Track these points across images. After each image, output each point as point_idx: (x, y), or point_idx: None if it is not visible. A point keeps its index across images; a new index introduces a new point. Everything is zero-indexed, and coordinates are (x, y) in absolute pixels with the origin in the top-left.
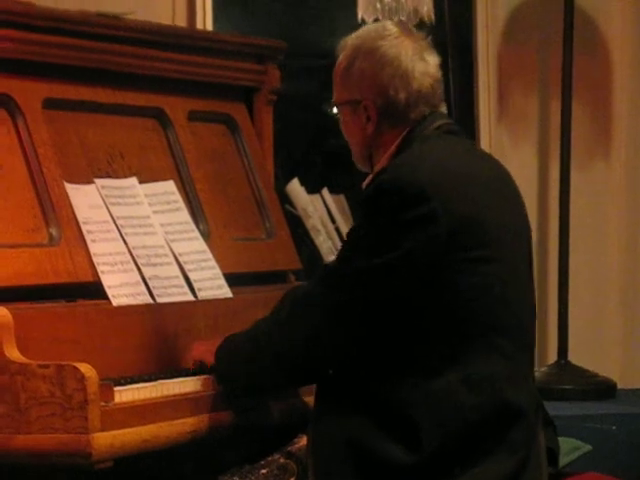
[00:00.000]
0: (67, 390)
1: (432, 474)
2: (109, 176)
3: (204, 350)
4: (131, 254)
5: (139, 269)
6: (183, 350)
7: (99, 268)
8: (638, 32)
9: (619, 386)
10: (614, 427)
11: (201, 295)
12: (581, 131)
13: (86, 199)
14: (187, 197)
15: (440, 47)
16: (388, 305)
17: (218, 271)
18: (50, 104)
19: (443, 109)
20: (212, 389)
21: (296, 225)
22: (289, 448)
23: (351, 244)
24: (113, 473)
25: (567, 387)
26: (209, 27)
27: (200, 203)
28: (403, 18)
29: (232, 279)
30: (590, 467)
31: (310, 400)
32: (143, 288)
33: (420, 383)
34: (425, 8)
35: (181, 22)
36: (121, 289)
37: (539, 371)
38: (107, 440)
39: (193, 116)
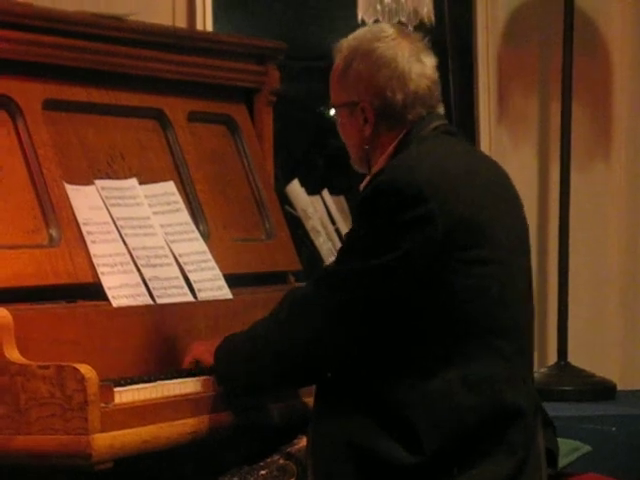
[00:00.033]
0: (67, 391)
1: (431, 475)
2: (109, 177)
3: (203, 350)
4: (131, 255)
5: (139, 270)
6: (183, 351)
7: (99, 269)
8: (638, 33)
9: (619, 387)
10: (614, 428)
11: (201, 296)
12: (581, 132)
13: (86, 200)
14: (187, 198)
15: (440, 48)
16: (387, 305)
17: (218, 272)
18: (50, 105)
19: (440, 110)
20: (212, 390)
21: (296, 226)
22: (289, 449)
23: (350, 245)
24: (113, 474)
25: (567, 388)
26: (209, 28)
27: (200, 204)
28: (403, 19)
29: (232, 280)
30: (590, 468)
31: (310, 401)
32: (143, 289)
33: (417, 384)
34: (425, 9)
35: (181, 23)
36: (121, 290)
37: (539, 372)
38: (107, 441)
39: (193, 117)
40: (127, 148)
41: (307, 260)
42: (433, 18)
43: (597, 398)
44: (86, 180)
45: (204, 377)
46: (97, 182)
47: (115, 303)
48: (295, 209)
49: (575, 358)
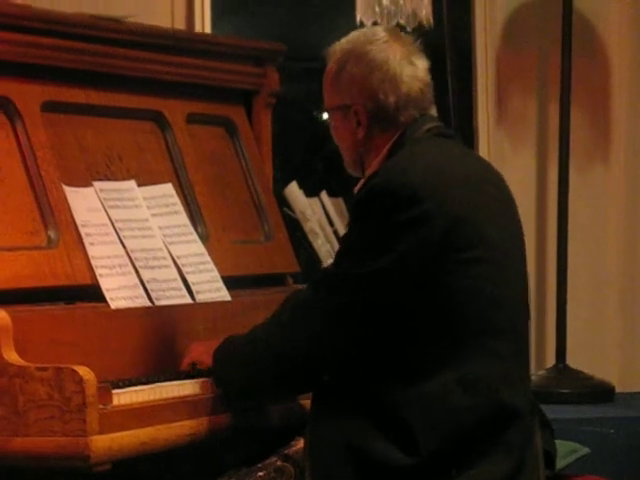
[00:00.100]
0: (65, 393)
1: (428, 476)
2: (107, 179)
3: (202, 351)
4: (129, 257)
5: (137, 272)
6: (181, 353)
7: (97, 271)
8: (636, 35)
9: (617, 390)
10: (612, 430)
11: (199, 298)
12: (580, 134)
13: (85, 202)
14: (185, 200)
15: (439, 50)
16: (385, 308)
17: (216, 274)
18: (49, 107)
19: (433, 112)
20: (210, 392)
21: (294, 228)
22: (286, 451)
23: (346, 248)
24: (111, 476)
25: (565, 390)
26: (208, 30)
27: (198, 206)
28: (402, 21)
29: (230, 282)
30: (588, 470)
31: (307, 403)
32: (141, 291)
33: (414, 385)
34: (424, 11)
35: (180, 25)
36: (119, 292)
37: (537, 374)
38: (105, 443)
39: (192, 119)
40: (125, 150)
41: (305, 262)
42: (432, 20)
43: (596, 400)
44: (84, 182)
45: (202, 379)
46: (95, 184)
47: (113, 305)
48: (293, 211)
49: (574, 360)
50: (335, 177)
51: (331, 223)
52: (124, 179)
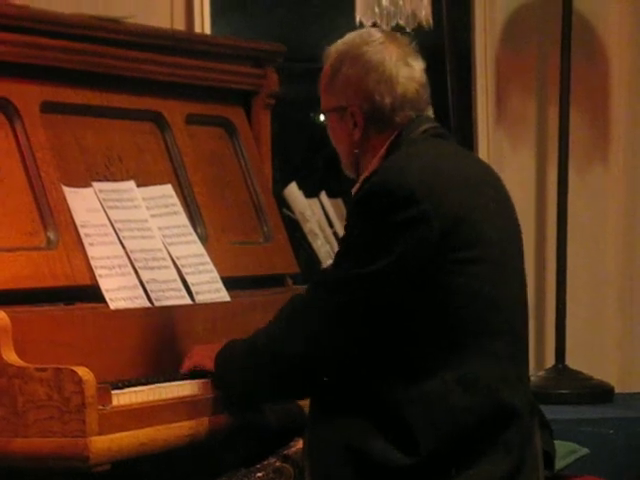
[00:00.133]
0: (65, 393)
1: (428, 476)
2: (107, 179)
3: (204, 355)
4: (129, 257)
5: (137, 272)
6: (181, 354)
7: (97, 271)
8: (636, 36)
9: (616, 390)
10: (611, 431)
11: (199, 299)
12: (579, 135)
13: (84, 202)
14: (185, 200)
15: (438, 51)
16: (385, 308)
17: (216, 275)
18: (48, 108)
19: (430, 113)
20: (210, 392)
21: (294, 229)
22: (285, 451)
23: (345, 249)
24: (111, 476)
25: (564, 391)
26: (207, 31)
27: (198, 207)
28: (401, 22)
29: (230, 283)
30: (587, 471)
31: (306, 403)
32: (141, 292)
33: (413, 385)
34: (423, 12)
35: (179, 25)
36: (119, 292)
37: (536, 375)
38: (105, 443)
39: (191, 119)
40: (125, 151)
41: (305, 263)
42: (431, 21)
43: (595, 401)
44: (84, 182)
45: (202, 380)
46: (95, 184)
47: (113, 305)
48: (293, 212)
49: (573, 361)
50: (335, 178)
51: (330, 224)
52: (123, 180)
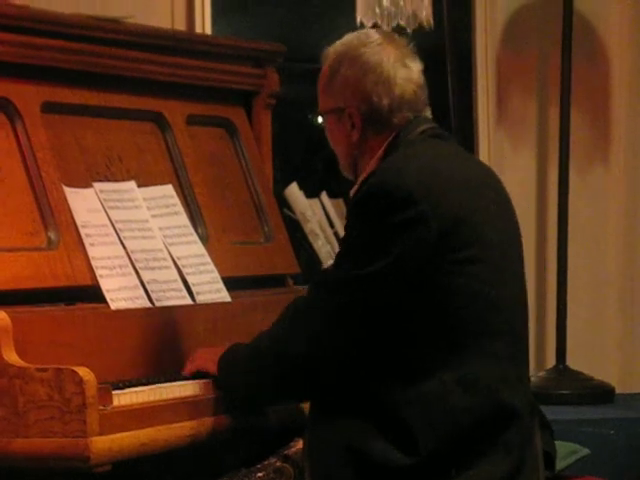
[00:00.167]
0: (65, 394)
1: (427, 476)
2: (107, 180)
3: (207, 359)
4: (129, 258)
5: (137, 273)
6: (182, 354)
7: (98, 272)
8: (637, 37)
9: (617, 391)
10: (612, 431)
11: (199, 299)
12: (580, 135)
13: (85, 203)
14: (185, 201)
15: (439, 51)
16: (385, 308)
17: (216, 275)
18: (49, 108)
19: (428, 114)
20: (211, 393)
21: (294, 229)
22: (285, 451)
23: (344, 250)
24: (111, 477)
25: (565, 392)
26: (208, 31)
27: (199, 207)
28: (402, 22)
29: (230, 283)
30: (588, 471)
31: (306, 404)
32: (141, 292)
33: (413, 385)
34: (424, 12)
35: (180, 26)
36: (119, 293)
37: (537, 375)
38: (105, 444)
39: (192, 120)
40: (125, 151)
41: (306, 263)
42: (432, 21)
43: (596, 401)
44: (84, 183)
45: (203, 380)
46: (95, 185)
47: (113, 306)
48: (294, 212)
49: (574, 361)
50: (335, 178)
51: (331, 224)
52: (124, 180)
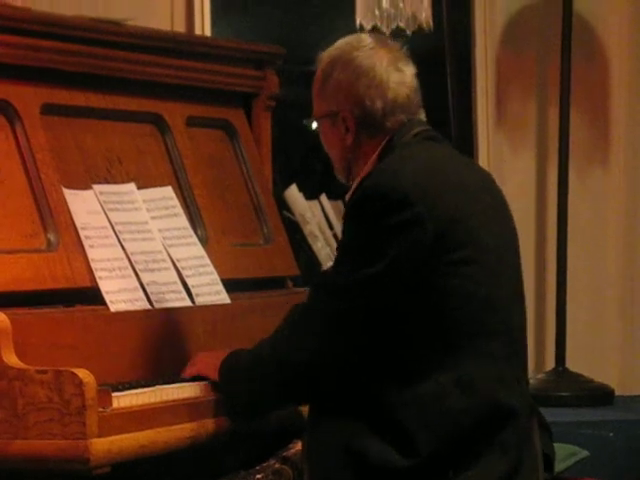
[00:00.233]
0: (65, 395)
1: (426, 477)
2: (107, 182)
3: (208, 363)
4: (129, 260)
5: (137, 275)
6: (181, 355)
7: (97, 274)
8: (636, 38)
9: (617, 393)
10: (611, 433)
11: (199, 301)
12: (579, 137)
13: (84, 205)
14: (185, 203)
15: (438, 53)
16: (383, 311)
17: (216, 277)
18: (48, 110)
19: (422, 117)
20: (211, 394)
21: (294, 231)
22: (284, 453)
23: (342, 254)
24: (111, 478)
25: (564, 394)
26: (208, 32)
27: (198, 209)
28: (401, 24)
29: (230, 285)
30: (587, 473)
31: (305, 407)
32: (141, 294)
33: (411, 387)
34: (423, 14)
35: (180, 27)
36: (119, 295)
37: (537, 377)
38: (105, 446)
39: (191, 122)
40: (125, 153)
41: (305, 265)
42: (431, 23)
43: (595, 403)
44: (84, 185)
45: (202, 382)
46: (95, 187)
47: (113, 308)
48: (293, 214)
49: (573, 363)
50: (335, 180)
51: (331, 226)
52: (124, 182)
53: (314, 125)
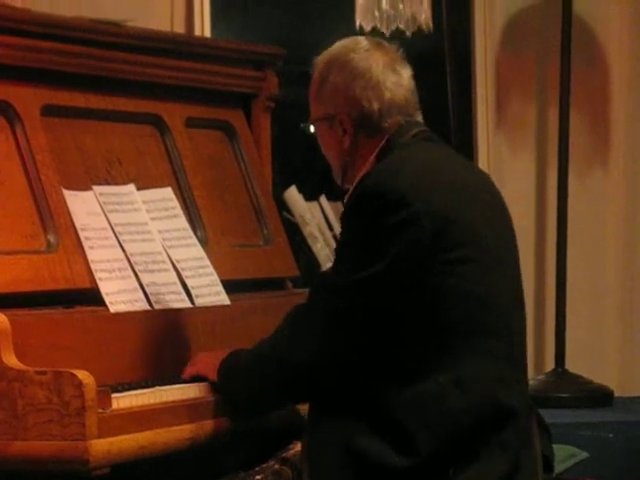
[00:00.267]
0: (64, 397)
1: (426, 477)
2: (107, 183)
3: (207, 364)
4: (129, 261)
5: (137, 276)
6: (181, 356)
7: (97, 275)
8: (636, 40)
9: (616, 394)
10: (611, 435)
11: (198, 302)
12: (579, 139)
13: (84, 206)
14: (185, 204)
15: (438, 54)
16: (383, 311)
17: (216, 278)
18: (48, 111)
19: (419, 118)
20: (211, 395)
21: (294, 232)
22: (284, 454)
23: (341, 254)
24: (110, 479)
25: (564, 395)
26: (207, 33)
27: (198, 210)
28: (401, 25)
29: (229, 286)
30: (587, 474)
31: (304, 406)
32: (141, 295)
33: (410, 387)
34: (423, 15)
35: (179, 28)
36: (119, 296)
37: (536, 379)
38: (104, 447)
39: (191, 123)
40: (125, 154)
41: (305, 266)
42: (431, 24)
43: (594, 405)
44: (84, 186)
45: (202, 383)
46: (95, 188)
47: (113, 309)
48: (293, 215)
49: (573, 365)
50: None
51: (330, 227)
52: (123, 183)
53: (312, 129)
